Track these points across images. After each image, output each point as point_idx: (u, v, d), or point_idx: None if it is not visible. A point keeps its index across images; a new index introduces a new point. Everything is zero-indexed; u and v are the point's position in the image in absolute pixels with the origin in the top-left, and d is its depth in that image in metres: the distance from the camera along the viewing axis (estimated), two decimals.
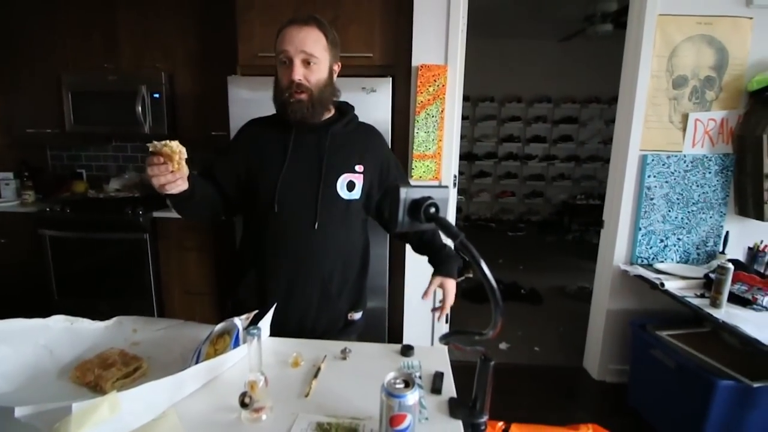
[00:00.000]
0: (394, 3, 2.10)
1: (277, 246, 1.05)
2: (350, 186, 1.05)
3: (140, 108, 2.50)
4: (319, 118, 1.05)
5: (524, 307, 3.20)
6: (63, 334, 0.87)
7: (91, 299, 2.57)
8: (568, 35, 3.97)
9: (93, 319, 0.94)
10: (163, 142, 0.80)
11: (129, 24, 2.53)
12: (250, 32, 2.17)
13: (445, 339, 0.60)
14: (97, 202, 2.67)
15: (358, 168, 1.06)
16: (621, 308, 2.18)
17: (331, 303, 1.09)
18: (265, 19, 2.14)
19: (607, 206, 2.26)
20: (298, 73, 0.96)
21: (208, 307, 2.50)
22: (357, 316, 1.15)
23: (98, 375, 0.78)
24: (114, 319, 0.99)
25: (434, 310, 1.09)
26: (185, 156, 0.83)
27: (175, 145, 0.81)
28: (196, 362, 0.80)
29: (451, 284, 1.06)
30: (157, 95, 2.50)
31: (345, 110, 1.12)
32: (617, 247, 2.15)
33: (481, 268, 0.48)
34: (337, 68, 1.06)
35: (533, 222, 5.77)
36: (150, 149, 0.81)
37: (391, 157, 1.17)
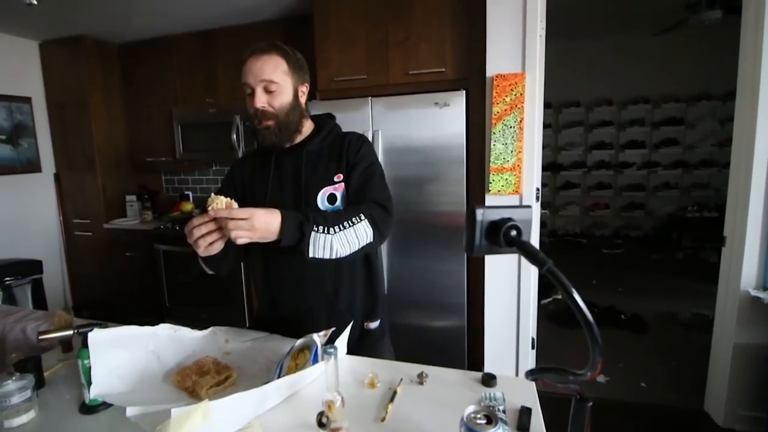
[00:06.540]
0: (465, 15, 2.07)
1: (278, 273, 1.09)
2: (331, 199, 1.05)
3: (235, 135, 2.79)
4: (290, 140, 1.07)
5: (625, 336, 2.82)
6: (168, 341, 0.97)
7: (194, 307, 2.89)
8: (667, 27, 3.54)
9: (194, 325, 1.04)
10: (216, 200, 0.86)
11: (224, 62, 2.88)
12: (328, 59, 2.30)
13: (532, 375, 0.53)
14: None
15: (337, 178, 1.05)
16: (752, 342, 1.81)
17: (342, 319, 1.06)
18: (341, 46, 2.26)
19: (729, 220, 1.92)
20: (260, 101, 0.99)
21: None
22: (374, 325, 1.13)
23: (195, 381, 0.86)
24: (209, 330, 1.08)
25: None
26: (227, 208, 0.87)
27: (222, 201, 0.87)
28: (279, 375, 0.83)
29: None
30: (248, 123, 2.77)
31: (323, 125, 1.11)
32: (744, 268, 1.80)
33: (575, 301, 0.42)
34: (304, 89, 1.07)
35: (632, 238, 5.12)
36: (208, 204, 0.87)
37: (361, 159, 1.06)
